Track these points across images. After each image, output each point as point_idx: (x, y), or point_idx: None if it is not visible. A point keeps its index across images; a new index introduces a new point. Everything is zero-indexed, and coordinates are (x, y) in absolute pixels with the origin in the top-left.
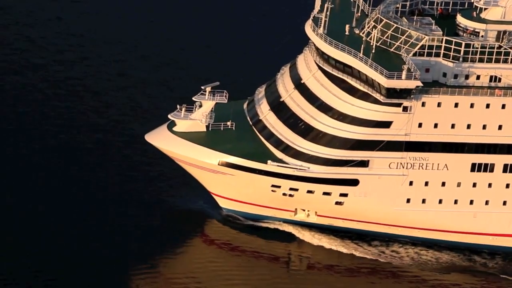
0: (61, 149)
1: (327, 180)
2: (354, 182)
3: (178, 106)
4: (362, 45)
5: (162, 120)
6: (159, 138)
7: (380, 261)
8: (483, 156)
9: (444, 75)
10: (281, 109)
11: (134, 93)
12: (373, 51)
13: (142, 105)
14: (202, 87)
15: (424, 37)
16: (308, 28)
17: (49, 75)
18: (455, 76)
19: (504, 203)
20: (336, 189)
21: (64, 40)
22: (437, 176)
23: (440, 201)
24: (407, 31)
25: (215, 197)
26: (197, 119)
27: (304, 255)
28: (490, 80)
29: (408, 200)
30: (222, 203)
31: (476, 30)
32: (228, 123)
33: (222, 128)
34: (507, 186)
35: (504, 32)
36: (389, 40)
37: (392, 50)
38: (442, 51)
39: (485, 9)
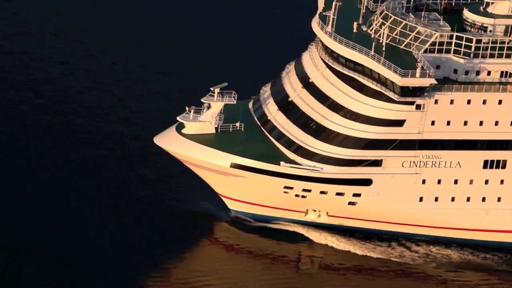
0: (69, 150)
1: (340, 181)
2: (367, 182)
3: (186, 108)
4: (373, 43)
5: (168, 122)
6: (169, 141)
7: (392, 260)
8: (495, 152)
9: (455, 71)
10: (290, 109)
11: (139, 95)
12: (384, 49)
13: (147, 108)
14: (211, 88)
15: (435, 33)
16: (316, 26)
17: (51, 77)
18: (466, 73)
19: None
20: (349, 189)
21: (64, 42)
22: (449, 174)
23: (453, 199)
24: (417, 27)
25: (223, 199)
26: (207, 120)
27: (316, 256)
28: (501, 76)
29: (421, 199)
30: (231, 205)
31: (485, 25)
32: (237, 124)
33: (231, 129)
34: None
35: None
36: (398, 37)
37: (402, 47)
38: (452, 47)
39: (492, 3)
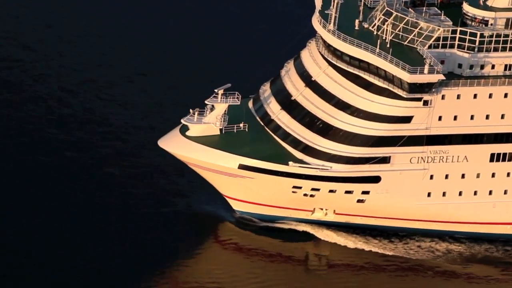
0: (72, 153)
1: (349, 179)
2: (375, 179)
3: (190, 111)
4: (378, 41)
5: (169, 124)
6: (174, 144)
7: (400, 256)
8: (502, 145)
9: (460, 66)
10: (294, 107)
11: (140, 97)
12: (388, 46)
13: (148, 110)
14: (215, 90)
15: (439, 28)
16: (318, 24)
17: (51, 81)
18: (471, 67)
19: None
20: (358, 187)
21: (61, 45)
22: (457, 169)
23: (460, 193)
24: (420, 23)
25: (228, 200)
26: (211, 122)
27: (323, 254)
28: (505, 69)
29: (429, 194)
30: (236, 205)
31: (486, 19)
32: (241, 124)
33: (235, 130)
34: None
35: None
36: (401, 34)
37: (405, 43)
38: (456, 42)
39: None
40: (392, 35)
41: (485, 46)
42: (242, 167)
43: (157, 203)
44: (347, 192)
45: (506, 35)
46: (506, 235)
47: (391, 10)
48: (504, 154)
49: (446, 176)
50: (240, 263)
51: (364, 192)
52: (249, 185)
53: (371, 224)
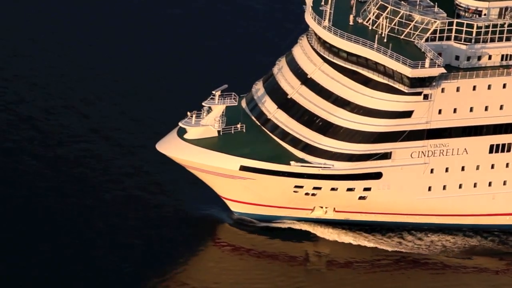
0: (67, 157)
1: (351, 176)
2: (377, 176)
3: (188, 113)
4: (376, 36)
5: (164, 127)
6: (173, 148)
7: (401, 251)
8: (501, 136)
9: (457, 58)
10: (291, 106)
11: (133, 101)
12: (386, 41)
13: (143, 113)
14: (213, 92)
15: (435, 21)
16: (312, 21)
17: (46, 84)
18: (468, 59)
19: None
20: (359, 184)
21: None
22: (457, 161)
23: (460, 186)
24: (416, 16)
25: (226, 201)
26: (209, 124)
27: (323, 252)
28: (502, 59)
29: (429, 188)
30: (234, 207)
31: (479, 9)
32: (238, 125)
33: (232, 131)
34: None
35: (506, 8)
36: (397, 28)
37: (402, 37)
38: (453, 34)
39: None
40: (388, 29)
41: (482, 37)
42: (244, 168)
43: (154, 207)
44: (349, 189)
45: (503, 25)
46: (506, 226)
47: (385, 4)
48: (503, 145)
49: (447, 170)
50: (240, 264)
51: (365, 189)
52: (250, 186)
53: (371, 220)
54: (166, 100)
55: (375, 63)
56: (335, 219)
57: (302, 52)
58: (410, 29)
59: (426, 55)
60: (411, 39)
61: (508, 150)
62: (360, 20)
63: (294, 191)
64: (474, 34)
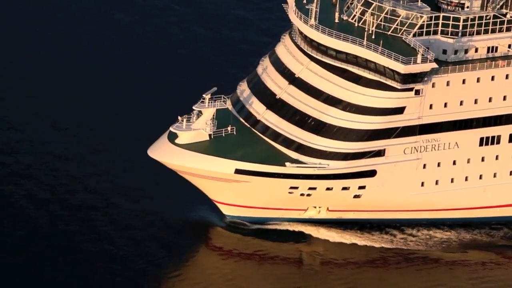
0: (57, 161)
1: (345, 175)
2: (371, 173)
3: (179, 118)
4: (366, 33)
5: (150, 131)
6: (165, 153)
7: (394, 248)
8: (490, 129)
9: (444, 52)
10: (281, 106)
11: (121, 105)
12: (374, 37)
13: (130, 118)
14: (204, 95)
15: (422, 16)
16: (298, 20)
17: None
18: (455, 52)
19: (511, 173)
20: (354, 183)
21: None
22: (448, 156)
23: (452, 180)
24: (402, 12)
25: (218, 205)
26: (201, 128)
27: (316, 252)
28: (488, 51)
29: (422, 184)
30: (226, 210)
31: (461, 2)
32: (229, 128)
33: (223, 134)
34: None
35: (488, 0)
36: (383, 23)
37: (389, 33)
38: (440, 28)
39: None
40: (374, 26)
41: (468, 30)
42: (239, 171)
43: (145, 213)
44: (344, 188)
45: (488, 17)
46: (498, 218)
47: (370, 1)
48: (493, 137)
49: (438, 164)
50: (235, 267)
51: (360, 187)
52: (244, 189)
53: (363, 218)
54: (152, 106)
55: (365, 61)
56: (328, 218)
57: (287, 51)
58: (397, 24)
59: (418, 50)
60: (399, 35)
61: (498, 142)
62: (345, 17)
63: (289, 192)
64: (461, 28)
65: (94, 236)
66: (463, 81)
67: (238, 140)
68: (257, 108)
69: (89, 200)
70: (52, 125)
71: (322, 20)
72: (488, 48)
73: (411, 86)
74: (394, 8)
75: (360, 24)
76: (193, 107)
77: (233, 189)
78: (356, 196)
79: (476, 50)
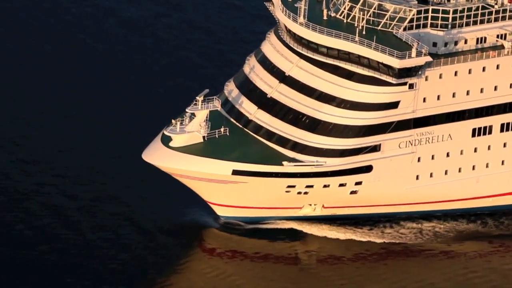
0: (49, 166)
1: (342, 172)
2: (368, 169)
3: (173, 121)
4: (358, 29)
5: (139, 134)
6: (161, 157)
7: (389, 241)
8: (482, 119)
9: (434, 44)
10: (273, 105)
11: (111, 111)
12: (364, 33)
13: (118, 120)
14: (197, 97)
15: (412, 9)
16: (287, 19)
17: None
18: (445, 44)
19: (503, 162)
20: (351, 179)
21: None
22: (442, 148)
23: (446, 172)
24: (389, 6)
25: (213, 206)
26: (195, 130)
27: (312, 250)
28: (477, 42)
29: (417, 177)
30: (220, 211)
31: None
32: (222, 129)
33: (217, 136)
34: (504, 145)
35: None
36: (372, 19)
37: (379, 28)
38: (429, 21)
39: None
40: (363, 21)
41: (457, 22)
42: (236, 172)
43: (137, 217)
44: (341, 185)
45: (476, 8)
46: (491, 207)
47: None
48: (485, 128)
49: (433, 157)
50: (231, 267)
51: (357, 183)
52: (241, 190)
53: (358, 213)
54: (140, 110)
55: (358, 57)
56: (323, 215)
57: (273, 49)
58: (387, 19)
59: (412, 44)
60: (389, 30)
61: (490, 133)
62: (333, 14)
63: (287, 191)
64: (450, 20)
65: (84, 241)
66: (455, 73)
67: (232, 141)
68: (248, 108)
69: (79, 204)
70: (41, 126)
71: (310, 17)
72: (477, 39)
73: (406, 80)
74: (381, 3)
75: (349, 20)
76: (186, 110)
77: (230, 190)
78: (352, 192)
79: (466, 42)
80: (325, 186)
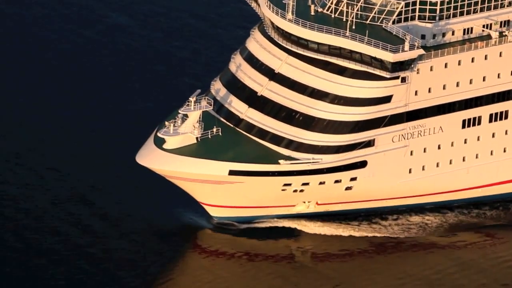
0: (45, 166)
1: (338, 168)
2: (362, 164)
3: (166, 123)
4: (348, 24)
5: (130, 135)
6: (156, 159)
7: (382, 236)
8: (471, 110)
9: (423, 37)
10: (264, 103)
11: (102, 113)
12: (354, 27)
13: (111, 124)
14: (190, 98)
15: (400, 2)
16: (275, 16)
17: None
18: (434, 36)
19: (491, 153)
20: (346, 175)
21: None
22: (433, 140)
23: (438, 165)
24: (379, 0)
25: (206, 207)
26: (188, 131)
27: (306, 247)
28: (464, 33)
29: (410, 170)
30: (214, 211)
31: None
32: (214, 129)
33: (209, 136)
34: (493, 135)
35: None
36: (360, 13)
37: (368, 22)
38: (417, 14)
39: None
40: (351, 16)
41: (445, 13)
42: (233, 172)
43: (131, 219)
44: (336, 181)
45: None
46: (482, 197)
47: None
48: (474, 119)
49: (425, 150)
50: (225, 268)
51: (352, 179)
52: (237, 190)
53: (352, 209)
54: (130, 112)
55: (349, 52)
56: (316, 212)
57: (260, 46)
58: (375, 13)
59: (405, 38)
60: (378, 23)
61: (479, 123)
62: (319, 9)
63: (283, 190)
64: (438, 12)
65: (74, 245)
66: (445, 65)
67: (225, 141)
68: (238, 107)
69: (69, 208)
70: (31, 128)
71: (296, 13)
72: (464, 30)
73: (398, 74)
74: None
75: (336, 15)
76: (179, 111)
77: (225, 190)
78: (347, 188)
79: (453, 33)
80: (320, 183)
